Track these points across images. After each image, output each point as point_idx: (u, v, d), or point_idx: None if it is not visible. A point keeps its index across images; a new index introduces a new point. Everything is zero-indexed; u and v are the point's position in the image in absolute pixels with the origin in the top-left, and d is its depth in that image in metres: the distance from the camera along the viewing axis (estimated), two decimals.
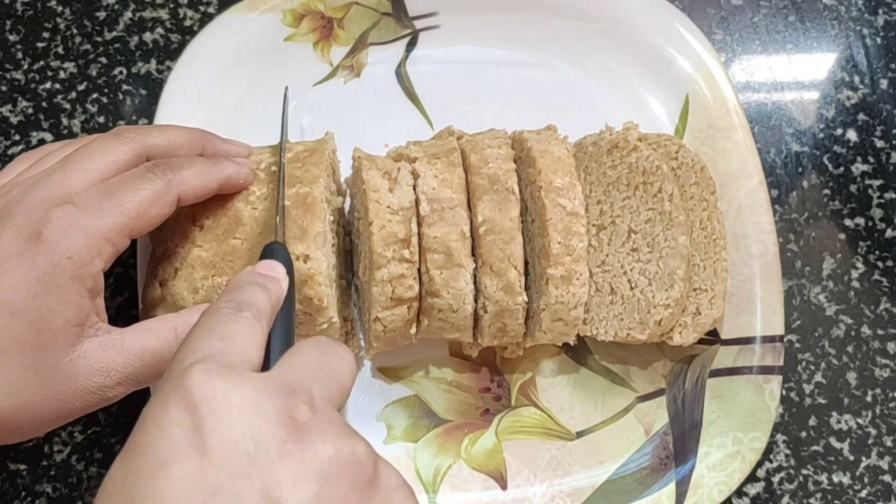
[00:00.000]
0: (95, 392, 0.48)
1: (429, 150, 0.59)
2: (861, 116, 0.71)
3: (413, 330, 0.57)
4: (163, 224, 0.55)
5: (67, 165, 0.51)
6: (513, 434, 0.62)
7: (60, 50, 0.71)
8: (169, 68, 0.69)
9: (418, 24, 0.70)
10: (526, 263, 0.57)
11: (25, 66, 0.70)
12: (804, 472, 0.63)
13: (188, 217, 0.56)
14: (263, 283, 0.46)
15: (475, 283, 0.57)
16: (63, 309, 0.47)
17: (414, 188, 0.56)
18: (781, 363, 0.60)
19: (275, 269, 0.48)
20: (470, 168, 0.57)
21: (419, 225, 0.56)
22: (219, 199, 0.56)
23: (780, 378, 0.60)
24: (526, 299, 0.57)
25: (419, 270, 0.56)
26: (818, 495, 0.62)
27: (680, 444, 0.60)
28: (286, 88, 0.63)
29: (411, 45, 0.70)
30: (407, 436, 0.61)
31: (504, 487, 0.60)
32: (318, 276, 0.53)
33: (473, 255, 0.56)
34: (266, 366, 0.42)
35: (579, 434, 0.62)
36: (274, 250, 0.50)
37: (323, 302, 0.54)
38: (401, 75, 0.70)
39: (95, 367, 0.48)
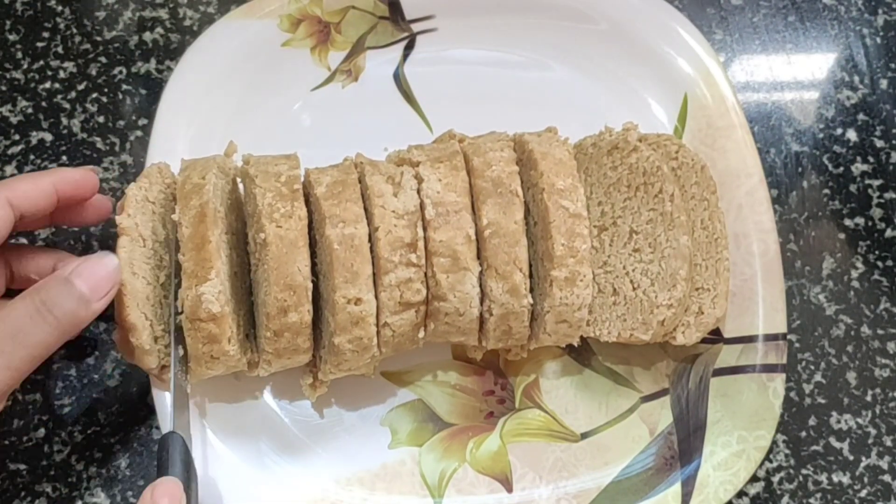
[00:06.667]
0: None
1: (431, 154, 0.58)
2: (861, 116, 0.71)
3: (421, 334, 0.57)
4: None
5: None
6: (517, 436, 0.62)
7: (60, 49, 0.70)
8: (169, 68, 0.69)
9: (415, 27, 0.70)
10: (529, 266, 0.57)
11: (25, 66, 0.70)
12: (804, 471, 0.63)
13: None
14: None
15: (480, 286, 0.56)
16: None
17: (418, 192, 0.56)
18: (784, 361, 0.61)
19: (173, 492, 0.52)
20: (473, 171, 0.57)
21: (425, 229, 0.55)
22: (195, 208, 0.55)
23: (783, 376, 0.60)
24: (531, 301, 0.57)
25: (425, 274, 0.56)
26: (818, 495, 0.62)
27: (685, 444, 0.60)
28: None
29: (409, 48, 0.70)
30: (411, 440, 0.61)
31: (510, 490, 0.60)
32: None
33: (478, 258, 0.56)
34: None
35: (584, 435, 0.62)
36: (170, 441, 0.54)
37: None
38: (399, 79, 0.69)
39: None
